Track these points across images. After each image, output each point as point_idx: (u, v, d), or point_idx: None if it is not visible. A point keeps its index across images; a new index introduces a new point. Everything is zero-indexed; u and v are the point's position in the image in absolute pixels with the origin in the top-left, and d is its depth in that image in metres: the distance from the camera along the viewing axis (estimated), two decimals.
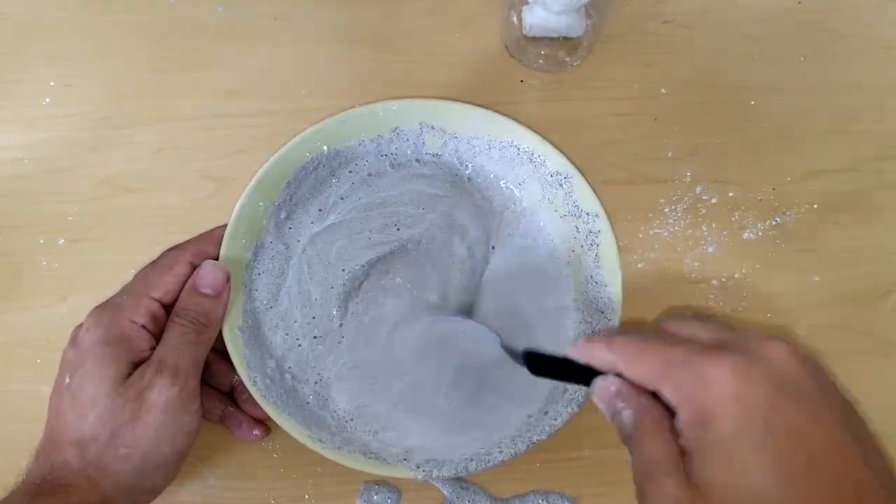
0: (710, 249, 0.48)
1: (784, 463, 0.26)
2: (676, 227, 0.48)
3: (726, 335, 0.31)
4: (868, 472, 0.26)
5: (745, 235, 0.48)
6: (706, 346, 0.30)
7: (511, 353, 0.38)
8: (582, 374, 0.33)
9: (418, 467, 0.41)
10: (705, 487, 0.27)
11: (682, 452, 0.29)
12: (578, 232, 0.45)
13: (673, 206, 0.48)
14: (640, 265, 0.47)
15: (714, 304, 0.47)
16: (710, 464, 0.27)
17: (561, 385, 0.43)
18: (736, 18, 0.52)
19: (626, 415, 0.31)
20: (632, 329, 0.40)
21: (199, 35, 0.50)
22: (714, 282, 0.47)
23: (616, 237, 0.44)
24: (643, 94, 0.50)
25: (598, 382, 0.32)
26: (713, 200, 0.48)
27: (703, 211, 0.48)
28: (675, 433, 0.29)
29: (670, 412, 0.30)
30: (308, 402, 0.43)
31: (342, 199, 0.46)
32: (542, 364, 0.35)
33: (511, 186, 0.47)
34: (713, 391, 0.27)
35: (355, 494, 0.44)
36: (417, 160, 0.47)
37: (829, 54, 0.52)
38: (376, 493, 0.44)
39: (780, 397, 0.27)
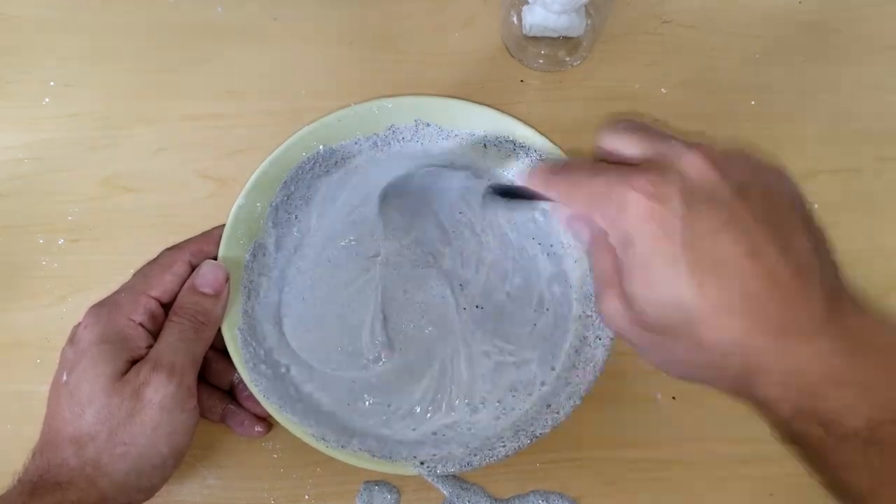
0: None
1: (695, 272, 0.27)
2: None
3: (650, 150, 0.31)
4: (783, 263, 0.27)
5: None
6: (626, 169, 0.30)
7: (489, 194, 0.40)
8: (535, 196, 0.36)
9: (423, 464, 0.41)
10: (632, 300, 0.30)
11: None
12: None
13: None
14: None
15: None
16: (633, 280, 0.29)
17: (564, 375, 0.43)
18: (736, 18, 0.52)
19: (583, 234, 0.34)
20: (569, 159, 0.41)
21: (199, 35, 0.50)
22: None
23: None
24: (643, 94, 0.50)
25: (553, 208, 0.35)
26: None
27: None
28: None
29: None
30: (308, 402, 0.43)
31: (341, 198, 0.46)
32: (506, 191, 0.39)
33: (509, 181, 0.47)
34: (630, 214, 0.28)
35: (355, 494, 0.44)
36: (415, 157, 0.47)
37: (829, 54, 0.52)
38: (376, 493, 0.44)
39: (692, 209, 0.27)
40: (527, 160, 0.45)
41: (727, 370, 0.28)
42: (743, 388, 0.28)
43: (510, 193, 0.39)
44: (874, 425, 0.25)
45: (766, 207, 0.28)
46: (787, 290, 0.26)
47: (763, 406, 0.28)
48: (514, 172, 0.45)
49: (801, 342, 0.26)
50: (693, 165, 0.28)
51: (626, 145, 0.31)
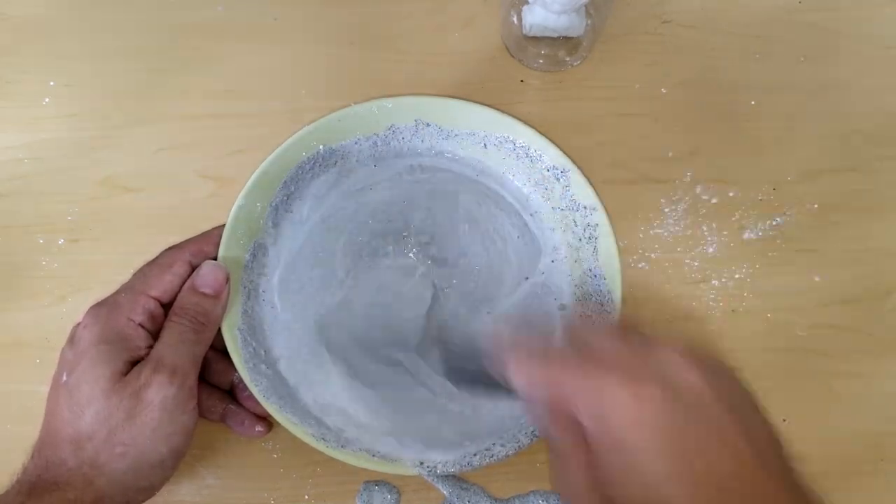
0: (710, 249, 0.48)
1: (685, 476, 0.27)
2: (676, 227, 0.48)
3: (627, 350, 0.31)
4: (765, 477, 0.27)
5: (745, 235, 0.48)
6: (607, 368, 0.30)
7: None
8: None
9: (422, 464, 0.41)
10: (605, 478, 0.29)
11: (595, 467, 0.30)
12: (576, 226, 0.45)
13: (673, 206, 0.48)
14: (640, 265, 0.47)
15: (714, 303, 0.47)
16: (612, 475, 0.29)
17: None
18: (736, 18, 0.52)
19: (553, 435, 0.32)
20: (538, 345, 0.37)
21: (199, 35, 0.50)
22: (714, 282, 0.47)
23: (616, 235, 0.44)
24: (643, 94, 0.50)
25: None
26: (713, 200, 0.48)
27: (703, 211, 0.48)
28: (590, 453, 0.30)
29: None
30: (307, 402, 0.43)
31: (339, 196, 0.46)
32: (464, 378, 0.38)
33: (508, 181, 0.47)
34: (615, 417, 0.28)
35: (355, 494, 0.44)
36: (414, 157, 0.47)
37: (829, 54, 0.52)
38: (376, 493, 0.44)
39: (679, 416, 0.28)
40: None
41: None
42: None
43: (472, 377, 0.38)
44: None
45: (736, 407, 0.29)
46: (762, 488, 0.27)
47: None
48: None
49: None
50: (672, 360, 0.29)
51: (603, 342, 0.32)
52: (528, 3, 0.47)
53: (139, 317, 0.39)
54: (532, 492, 0.44)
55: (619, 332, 0.32)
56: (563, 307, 0.45)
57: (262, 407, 0.41)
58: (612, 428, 0.28)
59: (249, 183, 0.43)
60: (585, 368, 0.30)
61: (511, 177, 0.47)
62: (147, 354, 0.38)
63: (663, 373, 0.29)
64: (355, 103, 0.45)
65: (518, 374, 0.32)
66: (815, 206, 0.49)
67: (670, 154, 0.49)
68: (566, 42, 0.50)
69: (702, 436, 0.28)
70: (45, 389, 0.39)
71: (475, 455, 0.41)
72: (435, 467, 0.41)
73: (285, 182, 0.44)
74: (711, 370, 0.29)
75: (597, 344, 0.31)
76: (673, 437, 0.27)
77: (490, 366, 0.34)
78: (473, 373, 0.38)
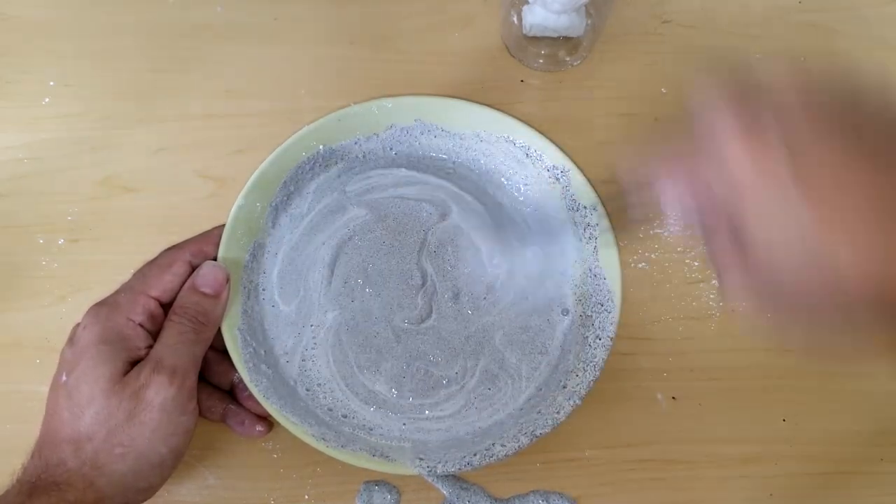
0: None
1: (818, 214, 0.27)
2: (676, 227, 0.48)
3: (744, 102, 0.30)
4: (883, 180, 0.27)
5: None
6: (719, 133, 0.29)
7: None
8: None
9: (421, 461, 0.41)
10: (759, 260, 0.29)
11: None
12: (576, 226, 0.45)
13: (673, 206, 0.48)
14: (640, 265, 0.47)
15: (714, 304, 0.47)
16: (756, 238, 0.28)
17: (559, 376, 0.43)
18: (736, 18, 0.52)
19: (690, 209, 0.32)
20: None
21: (199, 35, 0.50)
22: (714, 282, 0.47)
23: (616, 235, 0.44)
24: (643, 94, 0.50)
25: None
26: None
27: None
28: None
29: None
30: (307, 401, 0.43)
31: (339, 197, 0.46)
32: None
33: (508, 181, 0.47)
34: (734, 170, 0.28)
35: (355, 494, 0.44)
36: (414, 156, 0.47)
37: (829, 54, 0.52)
38: (376, 493, 0.44)
39: (802, 152, 0.27)
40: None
41: (866, 282, 0.27)
42: (886, 313, 0.28)
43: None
44: None
45: (867, 141, 0.28)
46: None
47: None
48: None
49: None
50: (786, 102, 0.28)
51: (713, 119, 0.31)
52: (528, 2, 0.47)
53: (139, 317, 0.39)
54: (532, 492, 0.44)
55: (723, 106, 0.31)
56: (565, 311, 0.45)
57: (262, 407, 0.41)
58: (739, 187, 0.28)
59: (249, 183, 0.43)
60: (702, 146, 0.30)
61: (511, 176, 0.47)
62: (147, 354, 0.38)
63: (781, 115, 0.28)
64: (355, 103, 0.45)
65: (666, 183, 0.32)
66: None
67: None
68: (566, 42, 0.50)
69: (830, 164, 0.27)
70: (45, 389, 0.39)
71: (475, 455, 0.41)
72: (435, 467, 0.41)
73: (285, 182, 0.44)
74: (816, 95, 0.29)
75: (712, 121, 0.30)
76: (805, 176, 0.27)
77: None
78: None
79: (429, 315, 0.45)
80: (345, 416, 0.43)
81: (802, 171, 0.27)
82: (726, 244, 0.30)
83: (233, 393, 0.44)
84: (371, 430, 0.43)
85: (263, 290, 0.45)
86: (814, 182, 0.27)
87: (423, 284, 0.45)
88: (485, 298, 0.45)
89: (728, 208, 0.29)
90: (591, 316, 0.44)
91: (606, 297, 0.43)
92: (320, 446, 0.40)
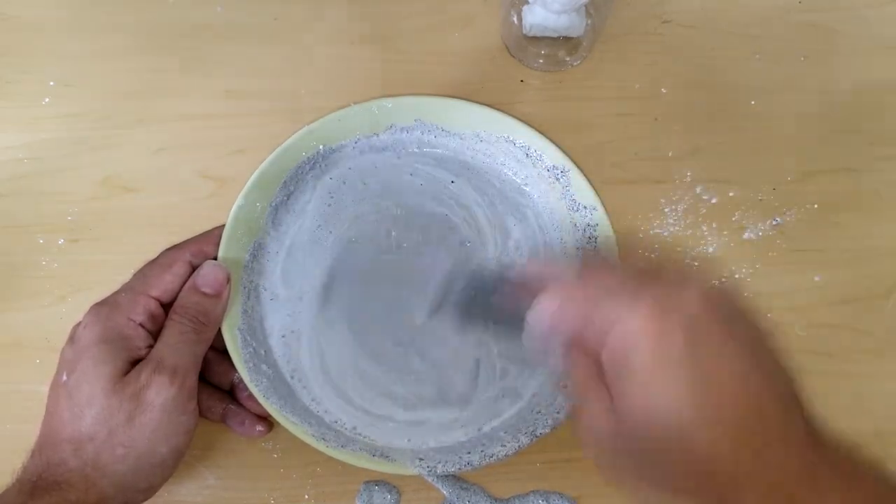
0: (710, 249, 0.48)
1: (694, 388, 0.28)
2: (676, 227, 0.48)
3: (641, 279, 0.32)
4: (767, 389, 0.29)
5: (745, 235, 0.48)
6: (627, 287, 0.31)
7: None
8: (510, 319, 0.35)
9: (421, 461, 0.41)
10: (622, 407, 0.30)
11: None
12: (576, 226, 0.45)
13: (673, 206, 0.48)
14: (640, 265, 0.47)
15: None
16: (629, 386, 0.30)
17: (559, 377, 0.43)
18: (736, 18, 0.52)
19: (560, 338, 0.33)
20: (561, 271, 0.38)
21: (199, 35, 0.50)
22: (714, 282, 0.47)
23: (616, 235, 0.44)
24: (643, 94, 0.50)
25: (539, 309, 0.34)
26: (713, 200, 0.48)
27: (703, 211, 0.48)
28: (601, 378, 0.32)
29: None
30: (307, 402, 0.43)
31: (338, 196, 0.46)
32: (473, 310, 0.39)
33: (508, 181, 0.47)
34: (633, 329, 0.29)
35: (355, 495, 0.44)
36: (414, 157, 0.47)
37: (829, 54, 0.52)
38: (376, 493, 0.44)
39: (693, 331, 0.29)
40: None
41: (714, 480, 0.29)
42: (727, 498, 0.29)
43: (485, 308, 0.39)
44: None
45: (752, 342, 0.30)
46: (770, 411, 0.29)
47: None
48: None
49: (788, 455, 0.28)
50: (690, 299, 0.30)
51: (614, 277, 0.33)
52: (528, 2, 0.47)
53: (139, 317, 0.39)
54: (532, 492, 0.44)
55: (648, 268, 0.33)
56: None
57: (262, 407, 0.41)
58: (631, 345, 0.29)
59: (249, 183, 0.43)
60: (617, 292, 0.31)
61: (511, 176, 0.47)
62: (147, 354, 0.38)
63: (689, 312, 0.29)
64: (355, 103, 0.45)
65: (552, 297, 0.33)
66: (815, 206, 0.49)
67: (670, 154, 0.49)
68: (566, 42, 0.50)
69: (712, 360, 0.29)
70: (45, 389, 0.39)
71: (475, 455, 0.41)
72: (435, 467, 0.41)
73: (285, 182, 0.44)
74: (723, 305, 0.31)
75: (625, 274, 0.33)
76: (696, 379, 0.28)
77: (507, 300, 0.35)
78: (482, 311, 0.41)
79: (432, 317, 0.45)
80: (342, 419, 0.43)
81: (695, 361, 0.29)
82: (590, 382, 0.32)
83: (233, 393, 0.44)
84: (371, 432, 0.43)
85: (264, 289, 0.45)
86: (699, 367, 0.29)
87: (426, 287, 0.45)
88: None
89: (610, 355, 0.31)
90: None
91: None
92: (320, 446, 0.40)
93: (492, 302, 0.39)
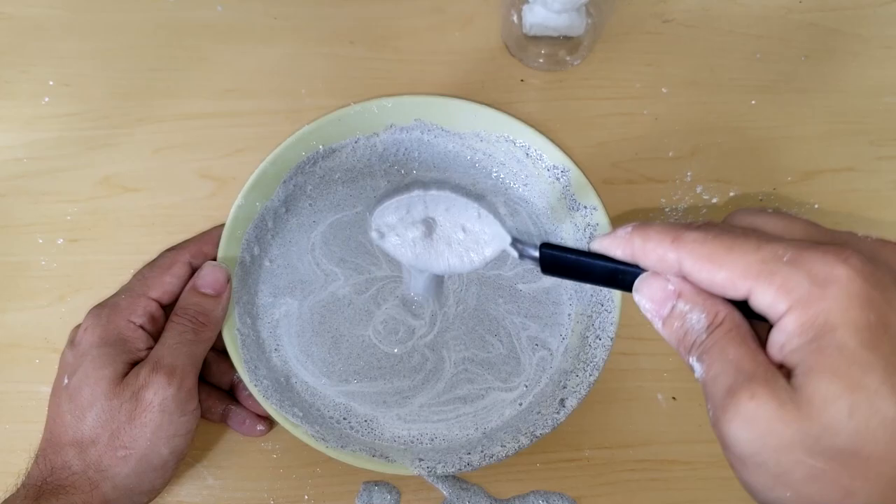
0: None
1: None
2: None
3: (824, 234, 0.26)
4: None
5: None
6: (814, 243, 0.24)
7: (522, 250, 0.33)
8: (610, 274, 0.29)
9: (421, 461, 0.41)
10: (816, 406, 0.22)
11: (780, 366, 0.24)
12: (576, 226, 0.45)
13: (673, 206, 0.48)
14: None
15: None
16: (826, 379, 0.22)
17: (559, 377, 0.43)
18: (736, 18, 0.52)
19: (695, 317, 0.25)
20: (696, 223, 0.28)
21: (199, 35, 0.50)
22: None
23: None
24: (643, 94, 0.50)
25: (648, 280, 0.27)
26: (713, 200, 0.48)
27: (704, 211, 0.48)
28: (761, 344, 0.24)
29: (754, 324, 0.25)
30: (308, 402, 0.43)
31: (339, 196, 0.46)
32: (559, 261, 0.30)
33: (508, 181, 0.47)
34: (835, 294, 0.22)
35: (355, 495, 0.44)
36: (414, 156, 0.47)
37: (829, 54, 0.51)
38: (376, 493, 0.44)
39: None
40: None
41: None
42: None
43: (567, 264, 0.31)
44: None
45: None
46: None
47: None
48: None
49: None
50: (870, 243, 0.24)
51: (784, 226, 0.26)
52: (528, 2, 0.47)
53: (139, 318, 0.39)
54: (532, 492, 0.44)
55: (801, 219, 0.26)
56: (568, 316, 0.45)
57: (262, 407, 0.41)
58: (825, 307, 0.22)
59: (249, 183, 0.43)
60: (790, 243, 0.24)
61: (511, 176, 0.47)
62: (147, 356, 0.38)
63: (891, 262, 0.23)
64: (355, 103, 0.45)
65: (689, 249, 0.25)
66: (816, 206, 0.49)
67: (670, 154, 0.49)
68: (566, 41, 0.50)
69: None
70: (44, 389, 0.39)
71: (475, 455, 0.41)
72: (435, 467, 0.41)
73: (285, 182, 0.44)
74: None
75: (782, 228, 0.25)
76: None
77: (612, 247, 0.28)
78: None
79: (433, 319, 0.45)
80: (344, 419, 0.43)
81: None
82: (746, 356, 0.24)
83: (233, 393, 0.44)
84: (371, 430, 0.43)
85: (264, 290, 0.45)
86: None
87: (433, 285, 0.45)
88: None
89: (789, 339, 0.23)
90: (591, 316, 0.44)
91: (606, 297, 0.43)
92: (320, 446, 0.40)
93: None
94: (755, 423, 0.23)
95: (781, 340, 0.23)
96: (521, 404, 0.44)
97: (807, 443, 0.22)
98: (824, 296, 0.22)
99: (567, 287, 0.45)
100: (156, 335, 0.39)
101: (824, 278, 0.23)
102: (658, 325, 0.27)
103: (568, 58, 0.50)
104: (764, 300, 0.24)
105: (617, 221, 0.45)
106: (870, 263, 0.23)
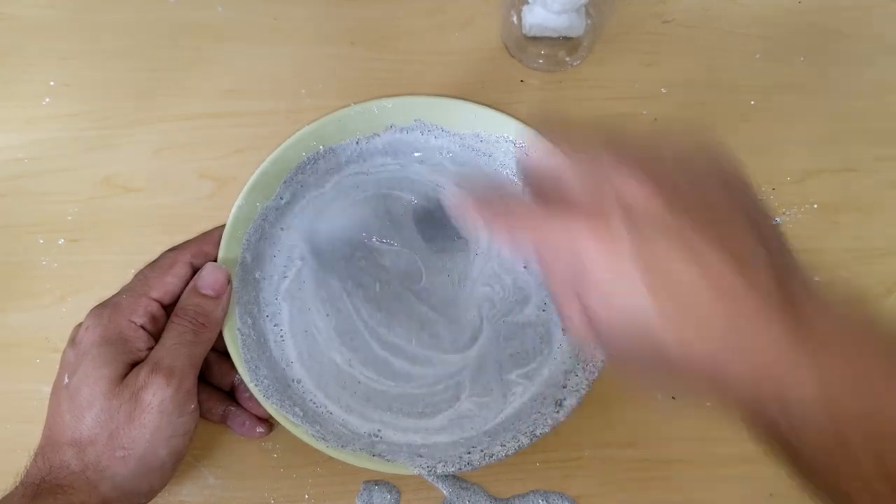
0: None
1: (653, 295, 0.27)
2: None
3: (588, 181, 0.30)
4: (728, 267, 0.27)
5: None
6: (571, 213, 0.29)
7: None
8: None
9: (420, 461, 0.41)
10: (595, 320, 0.30)
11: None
12: None
13: None
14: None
15: None
16: (593, 303, 0.29)
17: (559, 376, 0.43)
18: (736, 18, 0.52)
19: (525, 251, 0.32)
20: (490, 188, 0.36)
21: (199, 35, 0.50)
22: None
23: None
24: (643, 94, 0.50)
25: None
26: None
27: None
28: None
29: None
30: (308, 402, 0.43)
31: (339, 197, 0.46)
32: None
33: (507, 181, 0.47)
34: (579, 244, 0.28)
35: (355, 495, 0.44)
36: (414, 157, 0.47)
37: (829, 54, 0.52)
38: (376, 493, 0.44)
39: (637, 233, 0.28)
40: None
41: (697, 378, 0.28)
42: (715, 391, 0.29)
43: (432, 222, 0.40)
44: (829, 403, 0.26)
45: (708, 215, 0.28)
46: (735, 292, 0.27)
47: (736, 406, 0.29)
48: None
49: (755, 334, 0.27)
50: (629, 188, 0.28)
51: (551, 159, 0.31)
52: (527, 2, 0.47)
53: (140, 318, 0.39)
54: (532, 492, 0.44)
55: (573, 155, 0.31)
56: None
57: (262, 408, 0.41)
58: (588, 270, 0.28)
59: (249, 183, 0.43)
60: (549, 221, 0.30)
61: (510, 176, 0.47)
62: (147, 356, 0.38)
63: (625, 201, 0.28)
64: (355, 103, 0.45)
65: (492, 233, 0.32)
66: (815, 206, 0.49)
67: None
68: (566, 42, 0.50)
69: (673, 258, 0.27)
70: (45, 389, 0.39)
71: (475, 455, 0.41)
72: (435, 467, 0.41)
73: (285, 182, 0.44)
74: (670, 175, 0.29)
75: (554, 186, 0.31)
76: (647, 268, 0.27)
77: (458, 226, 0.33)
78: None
79: (436, 321, 0.45)
80: (342, 419, 0.43)
81: (648, 267, 0.27)
82: (569, 293, 0.30)
83: (233, 394, 0.44)
84: (373, 432, 0.43)
85: (264, 290, 0.45)
86: (654, 269, 0.27)
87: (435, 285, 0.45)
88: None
89: (570, 272, 0.29)
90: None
91: None
92: (320, 446, 0.40)
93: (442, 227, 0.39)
94: (573, 324, 0.32)
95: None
96: (520, 404, 0.44)
97: (602, 336, 0.30)
98: (574, 257, 0.29)
99: None
100: (157, 335, 0.39)
101: (569, 234, 0.29)
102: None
103: (567, 58, 0.50)
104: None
105: None
106: (601, 225, 0.28)
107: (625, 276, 0.28)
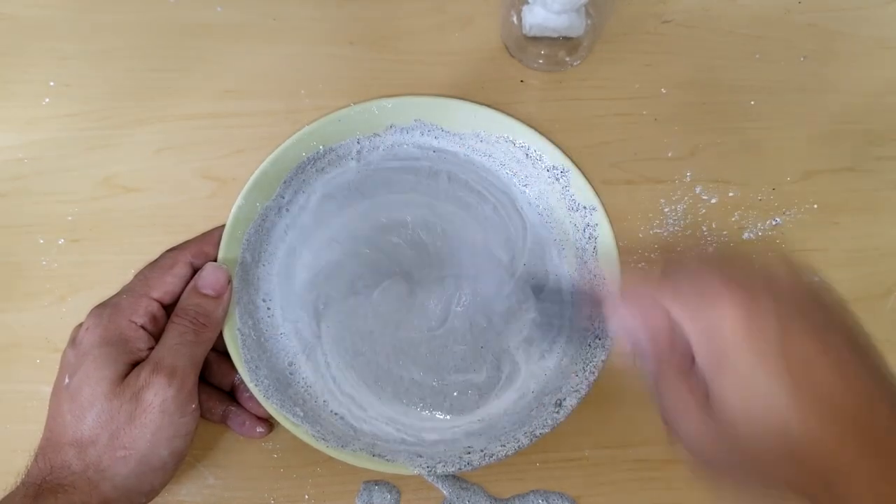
0: (710, 249, 0.48)
1: (796, 388, 0.27)
2: (676, 227, 0.48)
3: (729, 271, 0.31)
4: (871, 386, 0.28)
5: (745, 235, 0.48)
6: (715, 283, 0.30)
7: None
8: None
9: (420, 461, 0.41)
10: (727, 417, 0.29)
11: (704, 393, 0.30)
12: (576, 226, 0.45)
13: (673, 206, 0.48)
14: (640, 265, 0.47)
15: None
16: (729, 396, 0.29)
17: (559, 377, 0.43)
18: (736, 18, 0.52)
19: (649, 368, 0.32)
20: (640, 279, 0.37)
21: (199, 35, 0.50)
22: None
23: (616, 235, 0.44)
24: (643, 94, 0.50)
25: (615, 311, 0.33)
26: (713, 200, 0.48)
27: (703, 211, 0.48)
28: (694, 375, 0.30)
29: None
30: (308, 402, 0.43)
31: (339, 197, 0.46)
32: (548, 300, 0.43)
33: (507, 181, 0.47)
34: (725, 329, 0.28)
35: (355, 495, 0.44)
36: (414, 157, 0.47)
37: (829, 54, 0.52)
38: (376, 493, 0.44)
39: (790, 328, 0.28)
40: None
41: (819, 471, 0.28)
42: (823, 490, 0.28)
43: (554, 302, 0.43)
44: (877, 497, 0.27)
45: (847, 332, 0.29)
46: (872, 402, 0.28)
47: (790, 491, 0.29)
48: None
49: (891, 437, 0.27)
50: (781, 280, 0.29)
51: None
52: (527, 3, 0.47)
53: (141, 318, 0.39)
54: (532, 492, 0.44)
55: (715, 259, 0.32)
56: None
57: (262, 408, 0.41)
58: (724, 343, 0.28)
59: (249, 183, 0.43)
60: (695, 288, 0.30)
61: (510, 176, 0.47)
62: (148, 356, 0.38)
63: (780, 294, 0.28)
64: (355, 103, 0.45)
65: (623, 304, 0.32)
66: (815, 206, 0.49)
67: (670, 154, 0.49)
68: (566, 42, 0.50)
69: (810, 348, 0.28)
70: (45, 389, 0.39)
71: (475, 455, 0.41)
72: (435, 467, 0.41)
73: (285, 182, 0.44)
74: (816, 289, 0.30)
75: (699, 270, 0.31)
76: (795, 371, 0.27)
77: (582, 310, 0.36)
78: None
79: (442, 323, 0.45)
80: (342, 418, 0.43)
81: (787, 346, 0.28)
82: (681, 387, 0.30)
83: (234, 394, 0.44)
84: (373, 432, 0.43)
85: (265, 290, 0.45)
86: (796, 358, 0.28)
87: (438, 287, 0.45)
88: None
89: (702, 361, 0.29)
90: (591, 315, 0.44)
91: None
92: (320, 446, 0.40)
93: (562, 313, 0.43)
94: (689, 430, 0.31)
95: (697, 370, 0.30)
96: (520, 404, 0.44)
97: (722, 436, 0.29)
98: (717, 333, 0.29)
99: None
100: (157, 335, 0.40)
101: (716, 317, 0.29)
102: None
103: (567, 58, 0.50)
104: (685, 335, 0.30)
105: (616, 221, 0.44)
106: (750, 300, 0.28)
107: (766, 357, 0.28)
